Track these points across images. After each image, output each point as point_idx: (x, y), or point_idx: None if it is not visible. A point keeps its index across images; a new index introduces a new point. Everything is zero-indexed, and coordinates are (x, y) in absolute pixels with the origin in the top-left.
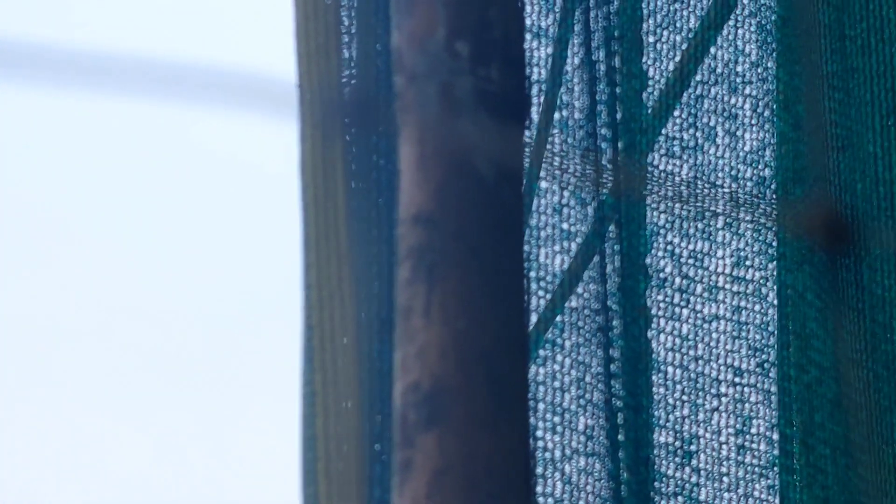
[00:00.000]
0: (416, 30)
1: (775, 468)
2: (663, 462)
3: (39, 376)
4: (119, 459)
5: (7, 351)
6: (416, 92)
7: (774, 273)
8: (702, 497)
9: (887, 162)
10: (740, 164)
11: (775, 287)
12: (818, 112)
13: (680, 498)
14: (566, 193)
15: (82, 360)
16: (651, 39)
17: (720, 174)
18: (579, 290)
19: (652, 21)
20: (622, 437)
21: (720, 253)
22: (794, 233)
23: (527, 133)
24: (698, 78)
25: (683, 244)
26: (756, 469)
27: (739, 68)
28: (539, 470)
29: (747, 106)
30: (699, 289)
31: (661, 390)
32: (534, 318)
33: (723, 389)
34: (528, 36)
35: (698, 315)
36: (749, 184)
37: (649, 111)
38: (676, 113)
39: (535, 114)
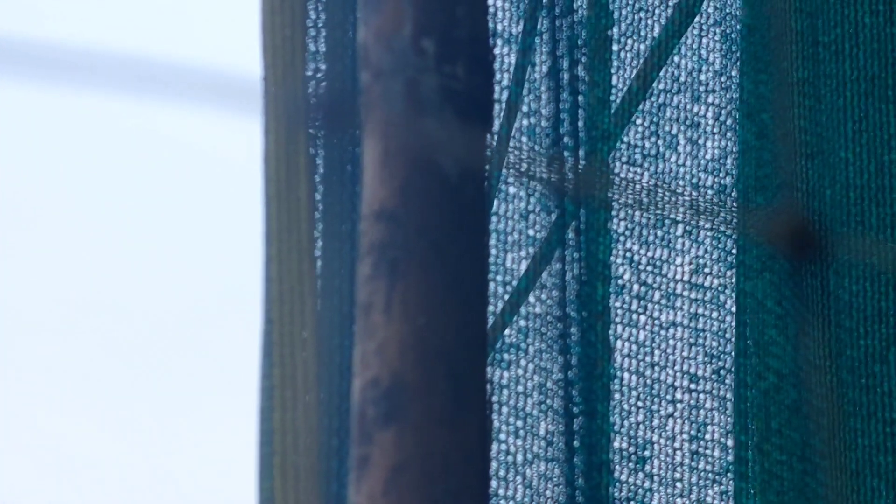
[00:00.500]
0: (383, 26)
1: (729, 474)
2: (618, 467)
3: None
4: (79, 451)
5: None
6: (382, 88)
7: (733, 280)
8: (655, 502)
9: (858, 167)
10: (701, 172)
11: (734, 294)
12: (786, 119)
13: (633, 503)
14: (530, 198)
15: (43, 352)
16: (615, 48)
17: (681, 182)
18: (543, 296)
19: (616, 30)
20: (577, 442)
21: (679, 260)
22: (756, 240)
23: (489, 135)
24: (661, 87)
25: (643, 251)
26: (710, 475)
27: (703, 77)
28: (501, 473)
29: (710, 114)
30: (657, 296)
31: (618, 396)
32: (491, 320)
33: (678, 396)
34: (495, 40)
35: (656, 322)
36: (710, 191)
37: (611, 119)
38: (639, 121)
39: (498, 117)
